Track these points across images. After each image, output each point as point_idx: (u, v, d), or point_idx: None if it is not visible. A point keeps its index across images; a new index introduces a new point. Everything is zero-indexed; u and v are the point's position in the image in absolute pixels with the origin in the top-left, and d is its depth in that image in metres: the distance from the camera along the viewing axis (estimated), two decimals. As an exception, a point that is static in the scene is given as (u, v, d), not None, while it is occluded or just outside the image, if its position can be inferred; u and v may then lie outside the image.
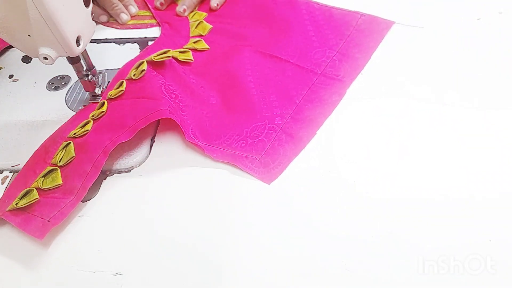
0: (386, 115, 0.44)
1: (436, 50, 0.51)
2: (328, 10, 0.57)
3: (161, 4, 0.61)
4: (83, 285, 0.35)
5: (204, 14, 0.61)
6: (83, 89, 0.48)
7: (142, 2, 0.65)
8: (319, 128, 0.44)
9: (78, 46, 0.42)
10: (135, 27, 0.61)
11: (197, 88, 0.49)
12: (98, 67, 0.48)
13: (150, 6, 0.63)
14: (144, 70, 0.47)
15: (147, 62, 0.48)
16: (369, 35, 0.53)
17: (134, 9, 0.63)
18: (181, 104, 0.46)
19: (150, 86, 0.46)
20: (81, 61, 0.45)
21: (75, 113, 0.48)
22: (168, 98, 0.45)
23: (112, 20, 0.62)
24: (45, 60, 0.41)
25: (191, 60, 0.52)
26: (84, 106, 0.49)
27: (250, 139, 0.43)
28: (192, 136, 0.43)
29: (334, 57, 0.51)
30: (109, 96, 0.46)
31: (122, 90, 0.46)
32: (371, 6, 0.56)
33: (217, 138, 0.44)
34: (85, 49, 0.45)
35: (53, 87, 0.52)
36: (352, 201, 0.38)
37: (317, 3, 0.58)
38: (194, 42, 0.55)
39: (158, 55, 0.49)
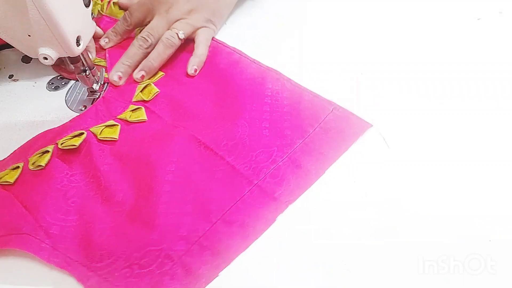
0: (385, 115, 0.44)
1: (435, 50, 0.51)
2: (299, 93, 0.46)
3: (119, 78, 0.50)
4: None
5: (161, 74, 0.51)
6: (81, 83, 0.48)
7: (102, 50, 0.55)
8: (226, 266, 0.35)
9: (78, 46, 0.42)
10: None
11: (106, 178, 0.40)
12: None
13: (108, 55, 0.54)
14: (41, 165, 0.41)
15: (54, 149, 0.42)
16: (335, 137, 0.42)
17: (90, 55, 0.51)
18: (73, 205, 0.39)
19: (45, 185, 0.40)
20: (82, 60, 0.45)
21: (75, 113, 0.48)
22: (56, 203, 0.39)
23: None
24: (45, 60, 0.41)
25: (115, 139, 0.44)
26: (84, 106, 0.49)
27: (138, 268, 0.34)
28: (62, 254, 0.36)
29: (280, 163, 0.40)
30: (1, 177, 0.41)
31: (16, 174, 0.41)
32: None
33: (99, 259, 0.35)
34: (85, 49, 0.44)
35: (53, 87, 0.52)
36: (352, 201, 0.38)
37: (291, 82, 0.47)
38: (132, 110, 0.46)
39: (72, 137, 0.43)
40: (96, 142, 0.43)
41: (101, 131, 0.44)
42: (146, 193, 0.39)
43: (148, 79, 0.50)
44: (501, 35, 0.51)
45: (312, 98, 0.45)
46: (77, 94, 0.51)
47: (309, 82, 0.48)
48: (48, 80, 0.53)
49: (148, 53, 0.51)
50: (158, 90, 0.48)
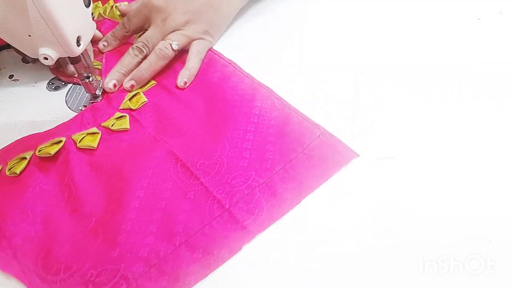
0: (385, 115, 0.44)
1: (435, 50, 0.51)
2: (288, 114, 0.44)
3: (114, 85, 0.49)
4: (83, 285, 0.35)
5: (152, 83, 0.50)
6: (84, 90, 0.48)
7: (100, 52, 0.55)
8: None
9: (78, 46, 0.42)
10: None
11: (78, 188, 0.40)
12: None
13: (105, 59, 0.54)
14: (15, 173, 0.41)
15: (32, 156, 0.42)
16: (317, 165, 0.40)
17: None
18: (40, 214, 0.39)
19: (16, 193, 0.40)
20: (82, 61, 0.45)
21: (75, 113, 0.48)
22: (22, 214, 0.39)
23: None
24: (46, 60, 0.41)
25: (93, 147, 0.43)
26: (84, 106, 0.49)
27: (92, 286, 0.34)
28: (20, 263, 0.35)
29: (256, 188, 0.38)
30: None
31: None
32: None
33: (56, 272, 0.35)
34: (85, 49, 0.44)
35: (53, 87, 0.52)
36: (352, 201, 0.38)
37: (282, 101, 0.45)
38: (117, 118, 0.46)
39: (51, 144, 0.43)
40: (75, 150, 0.43)
41: (81, 139, 0.43)
42: (115, 207, 0.38)
43: (139, 88, 0.49)
44: (501, 35, 0.51)
45: (301, 121, 0.43)
46: (77, 94, 0.51)
47: (310, 82, 0.48)
48: (48, 80, 0.53)
49: None
50: (146, 99, 0.48)
